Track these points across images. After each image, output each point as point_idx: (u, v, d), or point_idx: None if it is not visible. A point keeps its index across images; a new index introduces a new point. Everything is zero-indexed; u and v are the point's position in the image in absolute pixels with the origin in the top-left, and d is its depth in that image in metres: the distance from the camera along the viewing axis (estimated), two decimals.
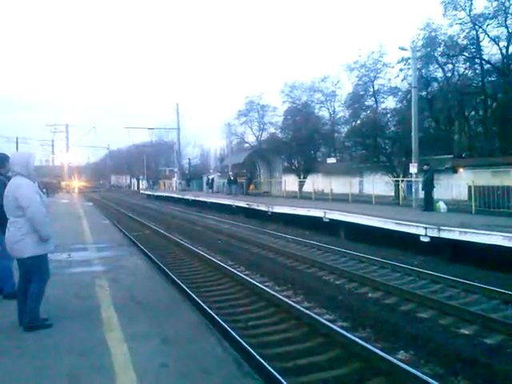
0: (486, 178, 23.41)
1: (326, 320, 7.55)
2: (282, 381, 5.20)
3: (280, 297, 8.85)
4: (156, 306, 6.12)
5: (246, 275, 11.04)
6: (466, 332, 7.15)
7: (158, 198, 54.15)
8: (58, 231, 4.98)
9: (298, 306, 8.21)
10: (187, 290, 9.19)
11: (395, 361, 5.75)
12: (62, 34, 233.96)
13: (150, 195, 60.21)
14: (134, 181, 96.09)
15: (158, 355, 4.24)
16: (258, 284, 9.93)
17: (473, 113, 37.50)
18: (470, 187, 19.51)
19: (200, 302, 8.40)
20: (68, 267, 8.56)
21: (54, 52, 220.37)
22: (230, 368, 4.05)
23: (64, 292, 6.53)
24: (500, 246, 10.88)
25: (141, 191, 74.99)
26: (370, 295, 9.58)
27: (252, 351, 6.01)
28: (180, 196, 44.05)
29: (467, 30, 32.49)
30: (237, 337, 6.53)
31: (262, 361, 5.68)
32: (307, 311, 7.92)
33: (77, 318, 5.46)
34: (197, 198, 37.79)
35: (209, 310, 7.80)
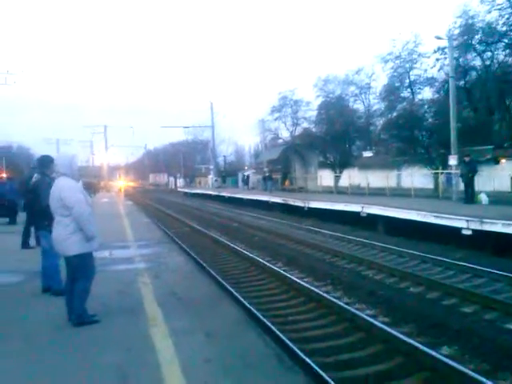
0: None
1: (367, 315, 7.49)
2: (324, 376, 5.21)
3: (319, 292, 8.83)
4: (197, 301, 6.23)
5: (285, 271, 11.04)
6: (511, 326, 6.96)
7: (194, 195, 54.77)
8: (99, 229, 5.14)
9: (338, 302, 8.18)
10: (227, 286, 9.28)
11: (439, 356, 5.66)
12: (99, 36, 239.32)
13: (186, 193, 60.97)
14: (172, 179, 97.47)
15: (201, 350, 4.33)
16: (296, 279, 9.93)
17: None
18: None
19: (240, 297, 8.48)
20: (111, 264, 8.78)
21: (93, 54, 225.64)
22: (272, 363, 4.09)
23: (108, 289, 6.72)
24: None
25: (178, 189, 76.03)
26: (411, 290, 9.45)
27: (292, 346, 6.03)
28: (216, 193, 44.44)
29: (506, 16, 31.43)
30: (277, 331, 6.56)
31: (303, 355, 5.70)
32: (347, 306, 7.88)
33: (122, 313, 5.62)
34: (233, 195, 38.04)
35: (248, 306, 7.85)
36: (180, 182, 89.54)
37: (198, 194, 53.85)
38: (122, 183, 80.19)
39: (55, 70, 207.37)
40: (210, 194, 46.66)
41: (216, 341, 4.60)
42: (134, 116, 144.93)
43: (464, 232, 12.92)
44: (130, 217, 21.07)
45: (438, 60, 34.65)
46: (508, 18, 31.37)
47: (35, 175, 6.90)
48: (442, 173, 25.46)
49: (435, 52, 34.13)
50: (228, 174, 63.83)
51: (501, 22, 31.76)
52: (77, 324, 5.18)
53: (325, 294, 8.68)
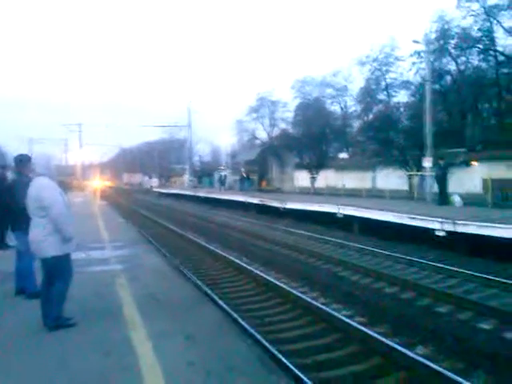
0: (500, 171, 23.21)
1: (344, 316, 7.56)
2: (303, 377, 5.24)
3: (296, 293, 8.88)
4: (176, 303, 6.19)
5: (262, 271, 11.07)
6: (485, 327, 7.12)
7: (169, 195, 54.36)
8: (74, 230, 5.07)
9: (315, 302, 8.24)
10: (204, 288, 9.24)
11: (414, 355, 5.75)
12: (74, 33, 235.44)
13: (161, 193, 60.47)
14: (146, 178, 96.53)
15: (182, 353, 4.30)
16: (273, 280, 9.96)
17: (486, 105, 37.11)
18: (485, 180, 19.35)
19: (217, 299, 8.46)
20: (86, 266, 8.66)
21: (66, 52, 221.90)
22: (256, 365, 4.08)
23: (85, 291, 6.61)
24: None
25: (153, 189, 75.34)
26: (386, 290, 9.57)
27: (271, 348, 6.05)
28: (192, 193, 44.20)
29: (481, 22, 32.18)
30: (256, 334, 6.57)
31: (282, 358, 5.72)
32: (324, 307, 7.94)
33: (99, 316, 5.54)
34: (209, 195, 37.90)
35: (227, 308, 7.84)
36: (154, 181, 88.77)
37: (173, 194, 53.46)
38: (98, 183, 77.23)
39: (29, 66, 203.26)
40: (186, 194, 46.38)
41: (197, 344, 4.57)
42: (110, 114, 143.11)
43: (437, 233, 13.16)
44: (104, 217, 20.80)
45: (414, 64, 35.20)
46: (482, 24, 32.11)
47: (9, 173, 6.76)
48: (416, 175, 25.86)
49: (411, 56, 34.67)
50: (204, 173, 63.58)
51: (475, 28, 32.50)
52: (53, 328, 5.08)
53: (301, 295, 8.72)
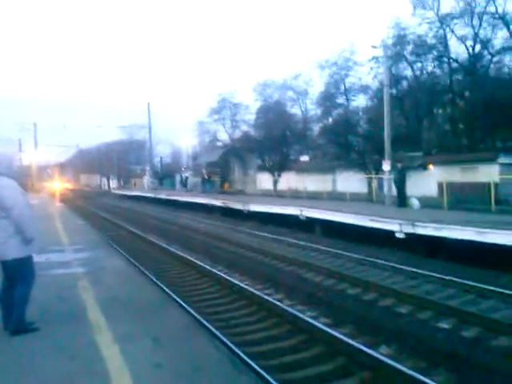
0: (455, 175, 24.02)
1: (308, 317, 7.65)
2: (269, 378, 5.28)
3: (260, 295, 8.92)
4: (141, 306, 6.10)
5: (225, 274, 11.06)
6: (445, 326, 7.36)
7: (130, 197, 53.43)
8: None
9: (280, 304, 8.30)
10: (167, 291, 9.15)
11: (378, 355, 5.88)
12: (28, 28, 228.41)
13: (121, 195, 59.35)
14: (104, 180, 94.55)
15: (150, 356, 4.24)
16: (237, 283, 9.98)
17: (441, 111, 38.36)
18: (440, 184, 20.00)
19: (181, 302, 8.39)
20: (48, 269, 8.42)
21: (20, 46, 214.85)
22: (226, 367, 4.08)
23: (47, 294, 6.43)
24: (473, 240, 11.20)
25: (112, 191, 73.84)
26: (348, 291, 9.74)
27: (237, 350, 6.06)
28: (153, 195, 43.63)
29: (435, 29, 33.28)
30: (221, 336, 6.57)
31: (249, 360, 5.74)
32: (289, 309, 8.00)
33: (63, 320, 5.40)
34: (170, 197, 37.51)
35: (192, 311, 7.79)
36: (113, 183, 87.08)
37: (133, 196, 52.59)
38: (58, 184, 71.62)
39: None
40: (146, 196, 45.75)
41: (164, 346, 4.53)
42: (66, 114, 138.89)
43: (397, 235, 13.50)
44: (63, 219, 20.28)
45: (372, 69, 36.01)
46: (437, 31, 33.19)
47: None
48: (375, 178, 26.44)
49: (370, 61, 35.44)
50: (165, 175, 62.91)
51: (430, 35, 33.57)
52: (15, 333, 4.92)
53: (266, 297, 8.77)
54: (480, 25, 31.98)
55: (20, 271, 5.02)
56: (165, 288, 9.31)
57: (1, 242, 4.92)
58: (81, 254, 10.42)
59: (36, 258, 5.45)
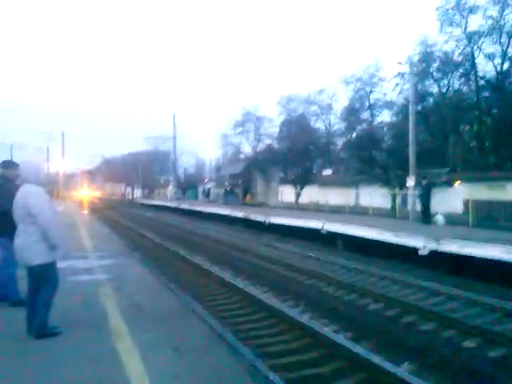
0: (481, 192, 23.63)
1: (329, 331, 7.57)
2: None
3: (281, 308, 8.87)
4: (162, 315, 6.13)
5: (245, 285, 11.05)
6: (469, 345, 7.20)
7: (153, 207, 53.96)
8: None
9: (300, 318, 8.23)
10: (188, 300, 9.17)
11: (401, 372, 5.78)
12: (58, 41, 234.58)
13: (145, 204, 59.96)
14: (129, 189, 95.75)
15: (171, 365, 4.25)
16: (258, 295, 9.95)
17: (467, 128, 37.89)
18: (466, 201, 19.67)
19: (201, 311, 8.38)
20: (71, 275, 8.53)
21: (50, 58, 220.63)
22: (244, 379, 4.06)
23: (70, 300, 6.51)
24: (499, 259, 10.97)
25: (135, 200, 74.65)
26: (371, 307, 9.62)
27: (256, 362, 6.03)
28: (176, 205, 43.96)
29: (462, 47, 33.01)
30: (242, 347, 6.54)
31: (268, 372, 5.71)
32: (309, 323, 7.94)
33: (85, 326, 5.46)
34: (193, 208, 37.76)
35: (212, 323, 7.77)
36: (137, 192, 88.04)
37: (156, 205, 53.07)
38: (86, 192, 69.55)
39: (11, 71, 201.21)
40: (170, 207, 46.13)
41: (186, 355, 4.53)
42: (93, 124, 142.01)
43: (421, 252, 13.29)
44: (88, 227, 20.58)
45: (397, 85, 35.87)
46: (464, 49, 32.91)
47: None
48: (399, 193, 26.17)
49: (395, 77, 35.35)
50: (188, 186, 63.39)
51: (457, 53, 33.31)
52: (38, 336, 4.99)
53: (286, 310, 8.72)
54: (509, 43, 31.62)
55: (44, 276, 5.11)
56: (186, 298, 9.35)
57: (26, 247, 5.02)
58: (104, 262, 10.53)
59: (60, 264, 5.53)
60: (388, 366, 5.88)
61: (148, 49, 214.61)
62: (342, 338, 7.11)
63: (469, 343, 7.25)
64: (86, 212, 34.47)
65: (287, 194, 39.65)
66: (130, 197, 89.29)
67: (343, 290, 10.93)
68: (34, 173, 5.37)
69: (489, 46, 32.56)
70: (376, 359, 6.09)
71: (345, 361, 6.40)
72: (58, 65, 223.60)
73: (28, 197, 5.08)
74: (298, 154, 43.10)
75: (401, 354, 6.76)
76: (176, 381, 3.93)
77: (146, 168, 79.82)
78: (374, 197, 29.67)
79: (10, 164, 6.59)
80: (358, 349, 6.52)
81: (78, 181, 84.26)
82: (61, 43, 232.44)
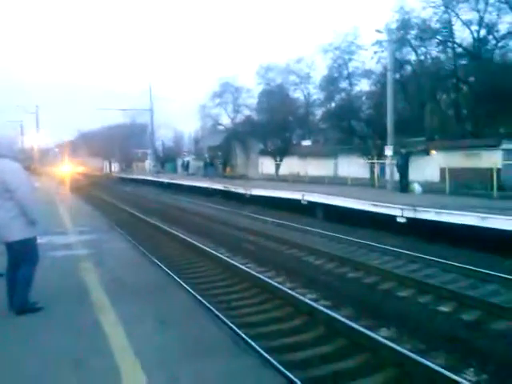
0: (457, 161, 23.94)
1: (309, 299, 7.73)
2: (271, 359, 5.36)
3: (262, 277, 9.01)
4: (143, 287, 6.15)
5: (228, 257, 11.15)
6: (445, 309, 7.43)
7: (132, 181, 53.46)
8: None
9: (282, 287, 8.38)
10: (170, 273, 9.23)
11: (378, 337, 5.96)
12: (31, 10, 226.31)
13: (123, 178, 59.35)
14: (106, 163, 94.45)
15: (154, 336, 4.30)
16: (239, 265, 10.07)
17: (445, 96, 38.06)
18: (443, 169, 19.95)
19: (183, 283, 8.47)
20: (50, 250, 8.46)
21: (21, 28, 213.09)
22: (228, 345, 4.14)
23: (51, 275, 6.48)
24: (474, 225, 11.24)
25: (113, 174, 73.79)
26: (349, 275, 9.82)
27: (239, 332, 6.15)
28: (155, 179, 43.66)
29: (440, 14, 32.80)
30: (223, 318, 6.66)
31: (251, 341, 5.83)
32: (290, 291, 8.09)
33: (67, 301, 5.45)
34: (172, 181, 37.56)
35: (193, 292, 7.86)
36: (115, 166, 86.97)
37: (135, 179, 52.60)
38: (67, 168, 60.92)
39: None
40: (148, 180, 45.78)
41: (169, 326, 4.58)
42: (67, 97, 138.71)
43: (399, 220, 13.54)
44: (66, 202, 20.35)
45: (375, 53, 35.50)
46: (441, 16, 32.76)
47: None
48: (377, 163, 26.39)
49: (373, 45, 34.98)
50: (167, 159, 62.85)
51: (434, 19, 33.08)
52: (19, 312, 4.98)
53: (268, 280, 8.86)
54: (485, 9, 31.58)
55: (24, 252, 5.06)
56: (167, 270, 9.41)
57: (5, 223, 4.94)
58: (83, 237, 10.45)
59: (39, 240, 5.48)
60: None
61: (124, 19, 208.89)
62: (321, 306, 7.28)
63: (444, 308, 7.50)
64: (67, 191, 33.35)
65: (267, 165, 39.65)
66: (108, 171, 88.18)
67: (323, 259, 11.13)
68: (8, 147, 5.25)
69: (466, 12, 32.47)
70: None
71: (325, 327, 6.57)
72: (30, 35, 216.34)
73: (4, 172, 4.98)
74: (278, 125, 42.88)
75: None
76: (158, 351, 3.98)
77: (123, 142, 78.58)
78: (353, 167, 29.83)
79: None
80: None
81: (56, 155, 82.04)
82: (33, 12, 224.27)
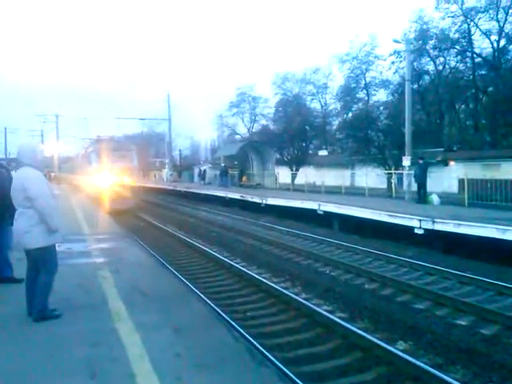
0: (476, 171, 23.68)
1: (325, 311, 7.69)
2: (286, 370, 5.35)
3: (278, 288, 8.99)
4: (161, 296, 6.17)
5: (243, 267, 11.15)
6: (463, 323, 7.32)
7: (148, 189, 53.67)
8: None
9: (297, 297, 8.35)
10: (186, 282, 9.26)
11: (395, 350, 5.90)
12: (51, 21, 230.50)
13: (140, 187, 59.44)
14: None
15: (170, 345, 4.30)
16: (255, 275, 10.06)
17: (463, 106, 37.79)
18: (461, 180, 19.72)
19: (199, 293, 8.49)
20: (68, 258, 8.55)
21: (42, 40, 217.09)
22: (244, 357, 4.13)
23: (69, 283, 6.55)
24: (493, 238, 11.07)
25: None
26: (366, 286, 9.74)
27: (254, 342, 6.14)
28: (171, 187, 43.85)
29: (459, 24, 32.75)
30: (239, 328, 6.65)
31: (266, 352, 5.82)
32: (306, 302, 8.06)
33: (84, 308, 5.50)
34: (189, 190, 37.68)
35: (210, 302, 7.88)
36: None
37: (152, 188, 52.81)
38: (108, 177, 56.66)
39: (4, 54, 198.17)
40: (165, 189, 45.98)
41: (185, 335, 4.58)
42: (87, 106, 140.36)
43: (416, 231, 13.39)
44: (84, 210, 20.54)
45: (393, 63, 35.65)
46: (460, 26, 32.66)
47: None
48: (395, 173, 26.19)
49: (391, 55, 35.11)
50: (184, 168, 63.20)
51: (453, 29, 33.06)
52: (38, 319, 5.04)
53: (283, 290, 8.83)
54: (506, 19, 31.38)
55: (43, 260, 5.13)
56: (184, 280, 9.44)
57: (25, 231, 5.01)
58: (102, 244, 10.52)
59: (57, 248, 5.54)
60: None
61: (143, 29, 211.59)
62: (336, 318, 7.24)
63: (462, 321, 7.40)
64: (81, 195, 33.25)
65: (283, 175, 39.63)
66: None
67: (339, 270, 11.06)
68: (31, 156, 5.32)
69: (485, 22, 32.35)
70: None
71: (341, 339, 6.53)
72: (50, 45, 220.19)
73: (26, 180, 5.05)
74: (294, 134, 42.99)
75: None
76: (175, 360, 3.99)
77: (141, 150, 79.28)
78: (370, 177, 29.62)
79: None
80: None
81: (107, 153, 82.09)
82: (53, 22, 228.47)
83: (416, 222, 13.41)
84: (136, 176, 28.24)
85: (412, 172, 20.71)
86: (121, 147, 27.00)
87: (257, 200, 24.30)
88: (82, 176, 30.40)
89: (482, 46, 33.51)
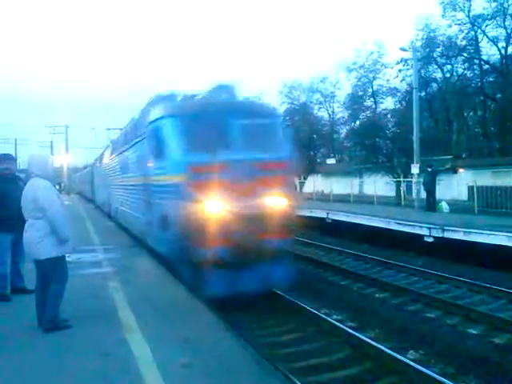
0: (485, 179, 23.51)
1: (335, 320, 7.65)
2: (295, 379, 5.32)
3: (287, 297, 8.96)
4: (170, 306, 6.18)
5: None
6: (474, 332, 7.25)
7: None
8: None
9: (306, 306, 8.31)
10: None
11: (406, 360, 5.85)
12: (56, 33, 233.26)
13: None
14: None
15: (180, 355, 4.30)
16: None
17: (471, 113, 37.67)
18: (471, 187, 19.59)
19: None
20: (78, 268, 8.58)
21: (49, 52, 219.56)
22: (252, 367, 4.12)
23: (79, 293, 6.57)
24: (504, 245, 10.97)
25: None
26: (376, 295, 9.68)
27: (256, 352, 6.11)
28: None
29: (466, 31, 32.74)
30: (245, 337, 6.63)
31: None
32: (315, 311, 8.02)
33: (95, 319, 5.51)
34: None
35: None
36: None
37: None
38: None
39: (14, 65, 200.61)
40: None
41: (195, 346, 4.58)
42: (96, 116, 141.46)
43: (426, 239, 13.31)
44: (92, 218, 20.63)
45: (400, 71, 35.61)
46: (467, 33, 32.63)
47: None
48: (403, 181, 26.08)
49: (398, 63, 35.05)
50: None
51: (460, 37, 33.02)
52: (49, 329, 5.06)
53: (292, 299, 8.79)
54: None
55: (54, 270, 5.15)
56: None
57: (36, 241, 5.04)
58: (110, 254, 10.55)
59: (67, 258, 5.56)
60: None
61: (151, 39, 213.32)
62: (346, 327, 7.19)
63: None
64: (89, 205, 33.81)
65: None
66: None
67: (349, 280, 11.01)
68: (42, 167, 5.36)
69: (493, 29, 32.30)
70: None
71: (352, 348, 6.49)
72: (57, 57, 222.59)
73: (37, 191, 5.09)
74: (302, 143, 42.94)
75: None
76: (184, 370, 3.99)
77: None
78: (378, 185, 29.50)
79: (7, 157, 6.70)
80: None
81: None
82: (59, 30, 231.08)
83: (426, 230, 13.32)
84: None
85: (421, 180, 20.61)
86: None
87: None
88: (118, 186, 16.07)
89: (490, 52, 33.46)
